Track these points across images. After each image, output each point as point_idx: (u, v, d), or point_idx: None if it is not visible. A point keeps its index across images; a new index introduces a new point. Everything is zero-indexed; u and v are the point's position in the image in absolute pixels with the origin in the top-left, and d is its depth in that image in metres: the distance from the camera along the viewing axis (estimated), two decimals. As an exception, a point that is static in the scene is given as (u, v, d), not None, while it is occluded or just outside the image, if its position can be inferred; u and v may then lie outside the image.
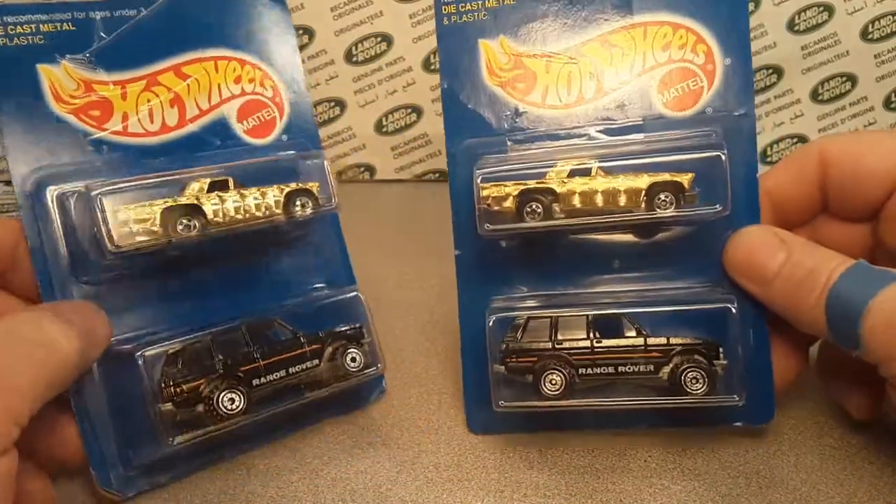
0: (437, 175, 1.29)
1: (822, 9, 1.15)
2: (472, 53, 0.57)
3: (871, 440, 0.55)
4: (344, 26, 1.24)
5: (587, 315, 0.54)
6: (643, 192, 0.52)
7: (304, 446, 0.57)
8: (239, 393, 0.52)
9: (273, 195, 0.55)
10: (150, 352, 0.51)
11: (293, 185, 0.56)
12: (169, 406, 0.50)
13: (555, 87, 0.57)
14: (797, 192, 0.55)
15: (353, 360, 0.57)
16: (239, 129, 0.59)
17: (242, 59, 0.59)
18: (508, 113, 0.57)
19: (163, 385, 0.51)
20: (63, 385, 0.45)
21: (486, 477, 0.53)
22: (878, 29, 1.16)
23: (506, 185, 0.54)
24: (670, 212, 0.52)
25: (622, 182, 0.52)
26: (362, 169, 1.31)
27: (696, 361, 0.51)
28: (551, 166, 0.54)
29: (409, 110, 1.27)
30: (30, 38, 0.51)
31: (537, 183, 0.53)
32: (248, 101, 0.59)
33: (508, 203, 0.53)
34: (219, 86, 0.58)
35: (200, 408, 0.51)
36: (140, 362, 0.50)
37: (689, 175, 0.52)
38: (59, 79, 0.52)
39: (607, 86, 0.56)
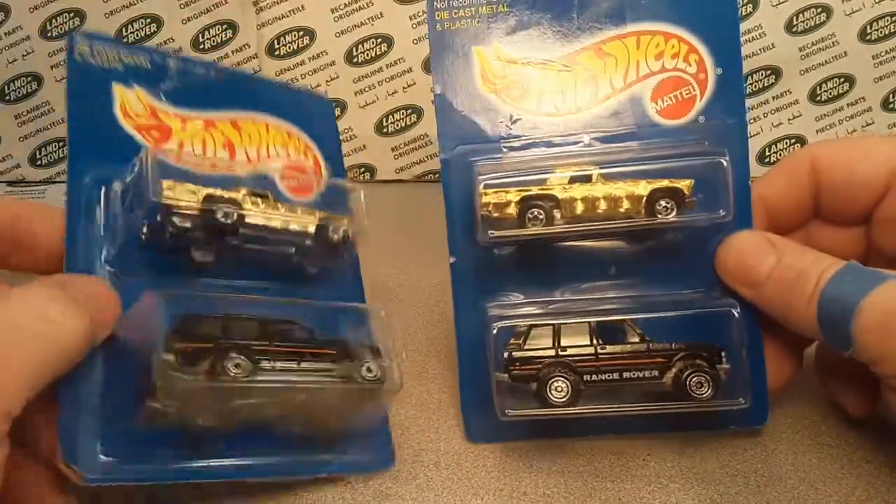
0: (437, 176, 1.29)
1: (820, 10, 1.15)
2: (466, 60, 0.57)
3: (868, 438, 0.55)
4: (344, 27, 1.24)
5: (590, 322, 0.53)
6: (644, 199, 0.52)
7: (306, 446, 0.58)
8: (244, 360, 0.49)
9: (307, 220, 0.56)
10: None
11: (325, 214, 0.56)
12: (171, 357, 0.47)
13: (549, 95, 0.57)
14: (790, 197, 0.55)
15: (370, 370, 0.54)
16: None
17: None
18: (503, 120, 0.57)
19: (173, 335, 0.47)
20: (65, 368, 0.42)
21: (487, 475, 0.54)
22: (877, 30, 1.16)
23: (507, 192, 0.53)
24: (672, 217, 0.52)
25: (622, 188, 0.53)
26: (362, 170, 1.31)
27: (699, 366, 0.51)
28: (551, 172, 0.54)
29: (410, 111, 1.27)
30: (111, 62, 0.55)
31: (539, 189, 0.53)
32: None
33: (510, 210, 0.53)
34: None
35: (205, 365, 0.48)
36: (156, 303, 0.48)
37: (689, 181, 0.52)
38: (129, 99, 0.56)
39: (601, 94, 0.56)
